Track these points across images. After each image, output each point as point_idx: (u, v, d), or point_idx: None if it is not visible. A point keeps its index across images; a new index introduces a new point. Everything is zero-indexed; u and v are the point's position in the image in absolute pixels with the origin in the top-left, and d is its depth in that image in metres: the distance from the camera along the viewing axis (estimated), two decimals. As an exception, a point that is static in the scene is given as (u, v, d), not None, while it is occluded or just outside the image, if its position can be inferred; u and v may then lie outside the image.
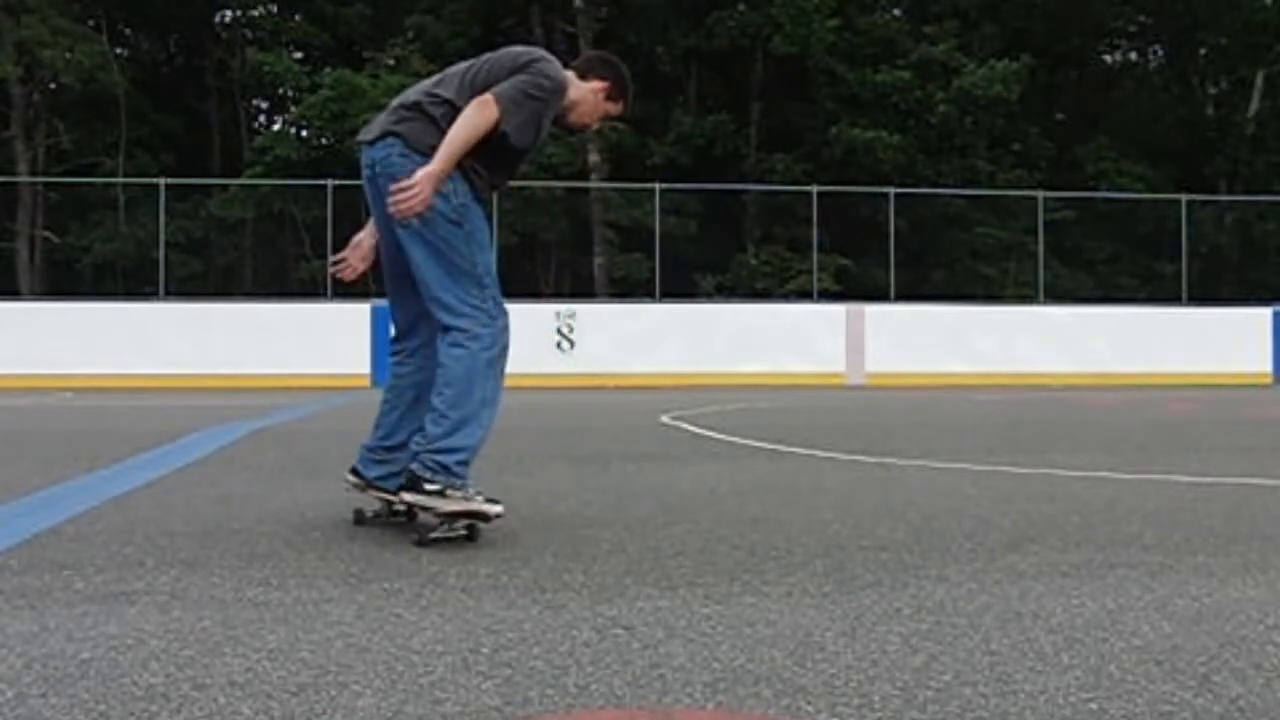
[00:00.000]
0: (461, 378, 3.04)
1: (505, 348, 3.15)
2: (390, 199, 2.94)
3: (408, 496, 3.03)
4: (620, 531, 3.19)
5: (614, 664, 1.86)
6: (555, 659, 1.88)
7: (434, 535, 3.02)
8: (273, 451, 5.72)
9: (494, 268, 3.18)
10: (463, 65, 3.22)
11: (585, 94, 3.29)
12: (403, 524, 3.24)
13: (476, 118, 2.98)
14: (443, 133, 3.01)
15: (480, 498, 3.02)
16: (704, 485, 4.29)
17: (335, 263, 3.40)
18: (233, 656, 1.89)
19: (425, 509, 3.04)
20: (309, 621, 2.14)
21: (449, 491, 2.98)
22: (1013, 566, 2.68)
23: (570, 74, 3.27)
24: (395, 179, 2.99)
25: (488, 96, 2.99)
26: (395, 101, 3.20)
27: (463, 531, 3.04)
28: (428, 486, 2.99)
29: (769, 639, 2.01)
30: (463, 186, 3.07)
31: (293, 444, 6.19)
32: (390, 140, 3.08)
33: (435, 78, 3.24)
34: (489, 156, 3.10)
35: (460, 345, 3.06)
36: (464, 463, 3.02)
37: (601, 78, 3.31)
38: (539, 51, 3.20)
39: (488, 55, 3.22)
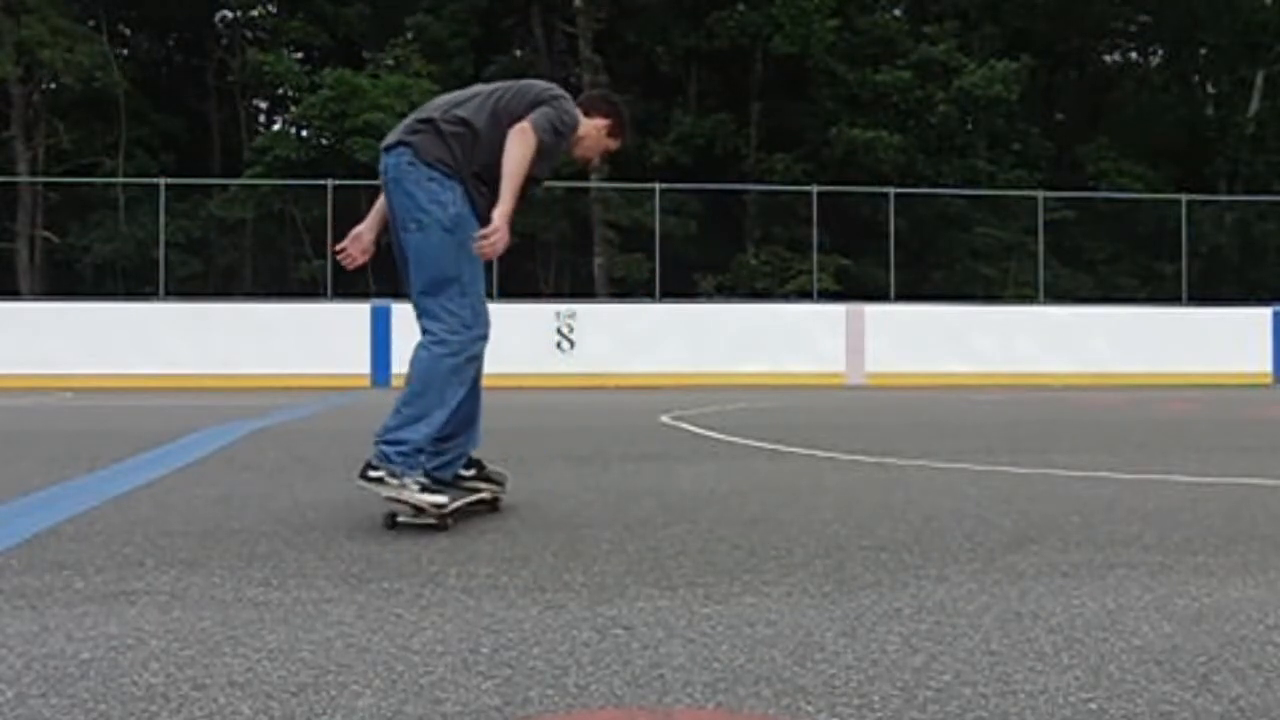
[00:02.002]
0: (421, 377, 3.25)
1: (473, 358, 3.33)
2: (476, 245, 3.17)
3: (359, 481, 3.23)
4: (620, 531, 3.19)
5: (614, 664, 1.86)
6: (555, 659, 1.88)
7: (401, 519, 3.22)
8: (273, 451, 5.72)
9: (481, 280, 3.36)
10: (483, 88, 3.43)
11: (589, 129, 3.53)
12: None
13: (523, 148, 3.19)
14: (450, 148, 3.25)
15: (415, 487, 3.18)
16: (704, 485, 4.29)
17: (337, 251, 3.57)
18: (233, 656, 1.89)
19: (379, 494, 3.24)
20: (309, 621, 2.14)
21: (388, 479, 3.17)
22: (1013, 566, 2.68)
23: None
24: (401, 183, 3.25)
25: (525, 125, 3.22)
26: (414, 114, 3.40)
27: (432, 521, 3.20)
28: (370, 473, 3.20)
29: (769, 639, 2.01)
30: (462, 199, 3.27)
31: (293, 444, 6.19)
32: (402, 149, 3.27)
33: (453, 96, 3.43)
34: (494, 173, 3.26)
35: (426, 348, 3.28)
36: (406, 455, 3.20)
37: (605, 115, 3.58)
38: (558, 89, 3.41)
39: (507, 83, 3.44)
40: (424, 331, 3.28)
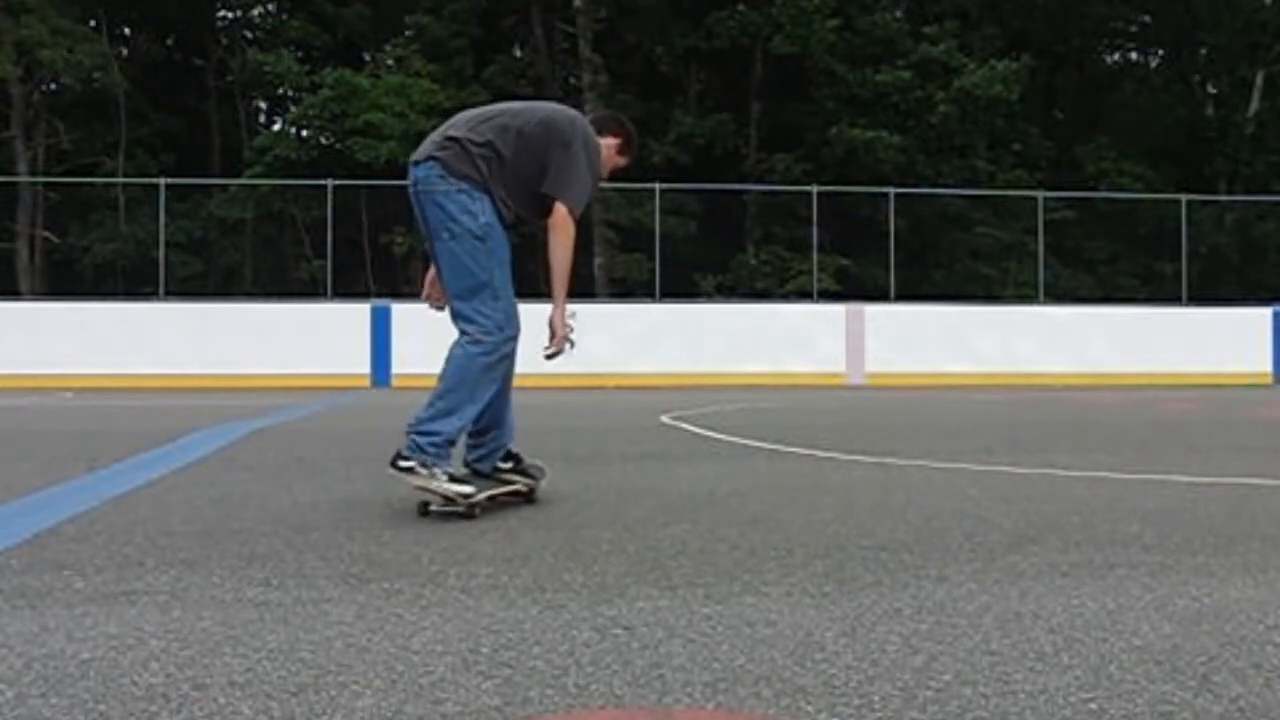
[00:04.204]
0: (455, 373, 3.43)
1: (505, 356, 3.53)
2: (547, 352, 3.57)
3: (389, 470, 3.39)
4: (620, 531, 3.19)
5: (614, 664, 1.86)
6: (555, 659, 1.88)
7: (433, 508, 3.40)
8: (273, 451, 5.72)
9: (511, 283, 3.56)
10: (507, 108, 3.59)
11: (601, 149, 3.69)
12: (421, 519, 3.41)
13: (567, 240, 3.51)
14: (476, 166, 3.42)
15: (444, 478, 3.35)
16: (704, 485, 4.29)
17: (426, 298, 3.82)
18: (233, 656, 1.89)
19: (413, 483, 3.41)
20: (309, 621, 2.14)
21: (418, 469, 3.35)
22: (1013, 566, 2.68)
23: None
24: (432, 195, 3.43)
25: (564, 214, 3.48)
26: (442, 130, 3.57)
27: (460, 509, 3.37)
28: (401, 463, 3.36)
29: (769, 639, 2.01)
30: (489, 209, 3.45)
31: (293, 444, 6.19)
32: (432, 163, 3.47)
33: (478, 113, 3.59)
34: (518, 194, 3.50)
35: (462, 347, 3.46)
36: (437, 445, 3.37)
37: (615, 134, 3.80)
38: (580, 120, 3.57)
39: (532, 108, 3.58)
40: (461, 332, 3.48)
